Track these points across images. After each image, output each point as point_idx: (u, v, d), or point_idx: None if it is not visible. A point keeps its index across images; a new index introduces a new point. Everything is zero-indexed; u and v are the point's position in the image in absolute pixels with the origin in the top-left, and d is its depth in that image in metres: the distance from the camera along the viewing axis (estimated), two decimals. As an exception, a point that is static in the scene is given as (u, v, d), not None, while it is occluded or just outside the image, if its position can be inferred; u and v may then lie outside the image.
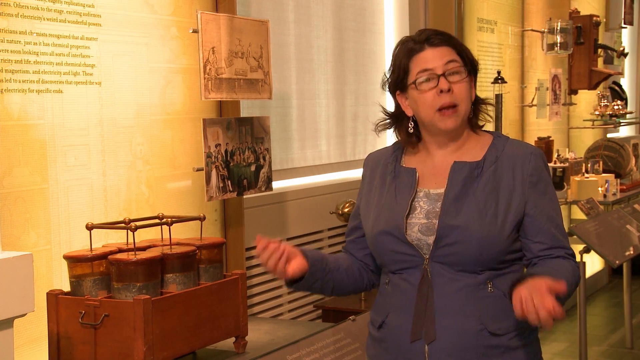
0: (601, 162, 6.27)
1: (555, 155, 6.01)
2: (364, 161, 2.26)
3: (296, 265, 2.01)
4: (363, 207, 2.19)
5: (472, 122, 2.13)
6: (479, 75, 2.15)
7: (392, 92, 2.13)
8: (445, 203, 2.03)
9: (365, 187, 2.21)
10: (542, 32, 6.09)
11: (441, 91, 2.02)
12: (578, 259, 4.73)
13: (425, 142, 2.14)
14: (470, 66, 2.09)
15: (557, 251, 2.05)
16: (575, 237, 4.94)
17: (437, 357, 2.02)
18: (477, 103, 2.14)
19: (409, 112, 2.11)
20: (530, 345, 2.08)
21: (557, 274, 1.96)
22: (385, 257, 2.11)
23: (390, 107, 2.20)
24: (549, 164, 5.75)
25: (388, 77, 2.14)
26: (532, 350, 2.09)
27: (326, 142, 4.46)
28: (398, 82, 2.10)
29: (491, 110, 2.20)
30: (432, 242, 2.03)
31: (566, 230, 2.15)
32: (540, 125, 6.37)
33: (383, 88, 2.17)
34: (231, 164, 3.07)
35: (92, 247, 2.41)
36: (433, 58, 2.04)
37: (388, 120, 2.18)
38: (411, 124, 2.12)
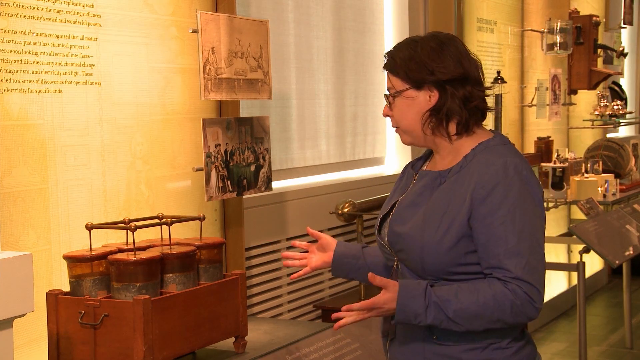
0: (601, 162, 6.27)
1: (555, 155, 6.01)
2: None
3: (318, 261, 2.29)
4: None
5: (440, 131, 2.04)
6: None
7: None
8: (396, 210, 2.08)
9: None
10: (542, 32, 6.09)
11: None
12: (577, 259, 4.76)
13: None
14: (415, 81, 2.01)
15: (496, 272, 1.91)
16: (575, 237, 4.94)
17: (392, 354, 2.12)
18: (435, 112, 2.03)
19: None
20: None
21: (460, 294, 1.91)
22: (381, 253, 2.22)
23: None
24: (548, 164, 5.78)
25: None
26: None
27: (326, 142, 4.46)
28: None
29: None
30: None
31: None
32: (540, 125, 6.37)
33: None
34: (231, 164, 3.07)
35: (92, 247, 2.41)
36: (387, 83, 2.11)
37: None
38: None
